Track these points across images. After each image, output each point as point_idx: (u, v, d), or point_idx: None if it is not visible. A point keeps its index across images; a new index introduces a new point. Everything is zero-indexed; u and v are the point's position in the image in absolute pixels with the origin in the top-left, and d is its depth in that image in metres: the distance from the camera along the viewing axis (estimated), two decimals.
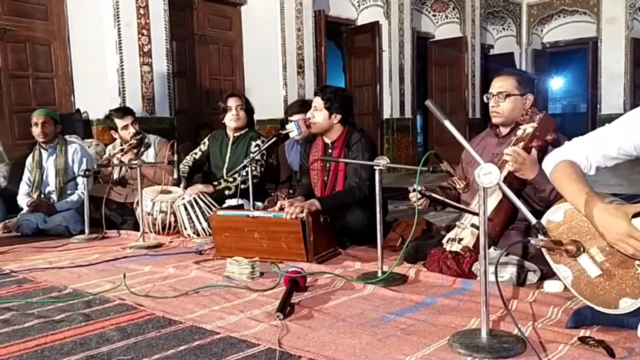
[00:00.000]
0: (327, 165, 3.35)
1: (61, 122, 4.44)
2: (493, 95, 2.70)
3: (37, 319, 2.11)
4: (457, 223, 2.63)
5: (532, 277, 2.34)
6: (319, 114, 3.30)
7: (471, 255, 2.45)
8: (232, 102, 4.04)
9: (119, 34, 5.60)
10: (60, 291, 2.52)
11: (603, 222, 1.62)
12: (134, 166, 3.76)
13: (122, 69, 5.64)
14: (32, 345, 1.84)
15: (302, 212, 2.83)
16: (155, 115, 5.90)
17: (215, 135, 4.20)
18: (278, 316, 1.99)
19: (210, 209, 3.59)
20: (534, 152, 2.39)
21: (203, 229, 3.62)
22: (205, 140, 4.26)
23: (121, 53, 5.62)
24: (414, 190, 2.59)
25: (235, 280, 2.57)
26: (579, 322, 1.80)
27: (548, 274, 2.29)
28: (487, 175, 1.60)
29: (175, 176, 3.64)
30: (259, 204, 3.77)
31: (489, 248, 1.94)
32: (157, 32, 5.89)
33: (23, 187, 4.33)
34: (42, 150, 4.31)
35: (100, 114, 5.34)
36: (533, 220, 1.72)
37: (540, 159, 2.48)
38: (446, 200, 2.62)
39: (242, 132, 4.08)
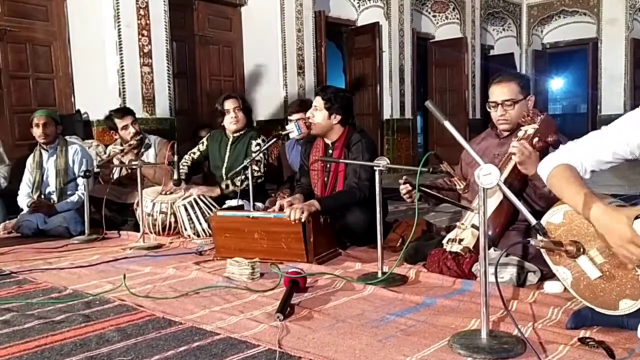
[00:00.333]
0: (327, 165, 3.35)
1: (61, 122, 4.44)
2: (498, 104, 2.65)
3: (37, 319, 2.11)
4: (458, 224, 2.63)
5: (532, 278, 2.35)
6: (318, 114, 3.30)
7: (471, 256, 2.45)
8: (230, 105, 4.02)
9: (119, 35, 5.60)
10: (61, 292, 2.52)
11: (604, 226, 1.59)
12: (134, 167, 3.76)
13: (122, 69, 5.64)
14: (32, 346, 1.84)
15: (302, 213, 2.83)
16: (155, 116, 5.90)
17: (214, 136, 4.19)
18: (278, 317, 1.99)
19: (211, 210, 3.59)
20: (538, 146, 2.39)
21: (203, 229, 3.62)
22: (204, 140, 4.25)
23: (121, 54, 5.62)
24: (405, 182, 2.60)
25: (235, 281, 2.57)
26: (579, 323, 1.80)
27: (548, 274, 2.29)
28: (487, 176, 1.60)
29: (176, 177, 3.64)
30: (259, 204, 3.76)
31: (489, 249, 1.94)
32: (157, 32, 5.89)
33: (23, 188, 4.33)
34: (43, 151, 4.31)
35: (101, 115, 5.34)
36: (533, 221, 1.72)
37: (540, 160, 2.49)
38: (438, 195, 2.62)
39: (242, 132, 4.08)
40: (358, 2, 8.97)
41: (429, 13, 10.50)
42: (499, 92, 2.65)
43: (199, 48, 7.03)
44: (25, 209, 4.20)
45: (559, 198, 1.83)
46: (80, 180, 4.07)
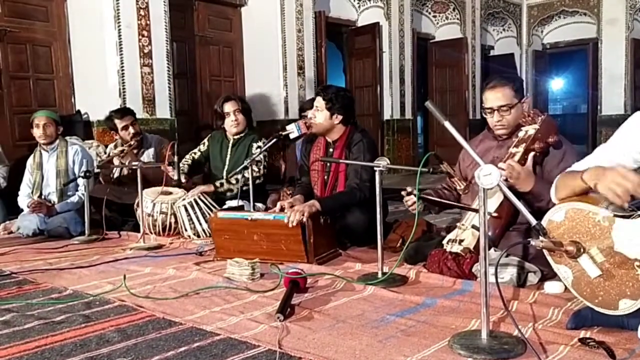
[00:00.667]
0: (328, 165, 3.35)
1: (61, 123, 4.44)
2: (494, 110, 2.62)
3: (37, 320, 2.11)
4: (458, 224, 2.63)
5: (533, 278, 2.34)
6: (320, 114, 3.30)
7: (471, 257, 2.45)
8: (229, 107, 4.01)
9: (120, 35, 5.60)
10: (61, 292, 2.52)
11: (598, 174, 1.67)
12: (134, 167, 3.76)
13: (122, 70, 5.64)
14: (32, 347, 1.84)
15: (303, 216, 2.82)
16: (155, 117, 5.90)
17: (215, 136, 4.19)
18: (278, 317, 1.99)
19: (211, 210, 3.59)
20: (529, 163, 2.38)
21: (203, 230, 3.62)
22: (205, 140, 4.25)
23: (122, 54, 5.62)
24: (408, 193, 2.59)
25: (235, 282, 2.57)
26: (579, 323, 1.80)
27: (548, 275, 2.29)
28: (487, 176, 1.60)
29: (176, 177, 3.63)
30: (260, 205, 3.76)
31: (489, 249, 1.94)
32: (157, 33, 5.89)
33: (23, 189, 4.33)
34: (43, 152, 4.31)
35: (101, 115, 5.34)
36: (533, 221, 1.72)
37: (541, 162, 2.48)
38: (441, 200, 2.61)
39: (242, 134, 4.07)
40: (358, 3, 8.97)
41: (429, 13, 10.50)
42: (494, 97, 2.62)
43: (199, 48, 7.03)
44: (26, 210, 4.20)
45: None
46: (80, 181, 4.07)
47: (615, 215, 1.68)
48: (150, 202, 3.74)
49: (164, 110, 5.99)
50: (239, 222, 3.02)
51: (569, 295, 2.04)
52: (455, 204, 2.64)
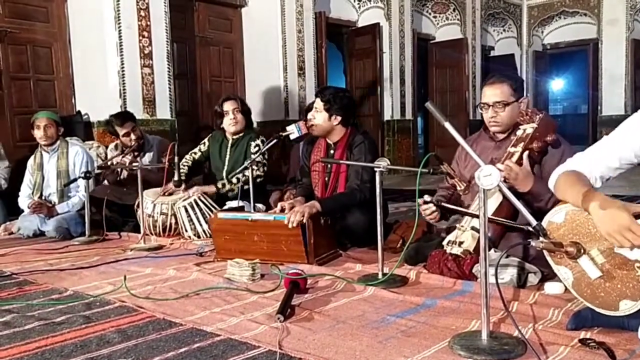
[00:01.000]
0: (328, 166, 3.35)
1: (62, 124, 4.45)
2: (489, 106, 2.63)
3: (37, 321, 2.11)
4: (457, 225, 2.62)
5: (533, 279, 2.34)
6: (319, 116, 3.30)
7: (472, 257, 2.45)
8: (229, 106, 4.02)
9: (120, 36, 5.61)
10: (61, 293, 2.53)
11: (603, 212, 1.62)
12: (134, 168, 3.76)
13: (122, 70, 5.65)
14: (32, 348, 1.84)
15: (303, 216, 2.82)
16: (155, 117, 5.90)
17: (215, 136, 4.20)
18: (278, 318, 1.99)
19: (211, 211, 3.59)
20: (526, 162, 2.37)
21: (204, 230, 3.62)
22: (205, 140, 4.26)
23: (122, 55, 5.63)
24: (425, 202, 2.57)
25: (235, 282, 2.57)
26: (579, 324, 1.80)
27: (549, 275, 2.29)
28: (488, 177, 1.60)
29: (176, 178, 3.63)
30: (260, 205, 3.76)
31: (489, 250, 1.94)
32: (157, 34, 5.89)
33: (24, 189, 4.33)
34: (44, 153, 4.31)
35: (101, 116, 5.35)
36: (533, 222, 1.72)
37: (539, 161, 2.48)
38: (458, 209, 2.59)
39: (241, 134, 4.08)
40: (358, 3, 8.98)
41: (430, 14, 10.50)
42: (491, 93, 2.64)
43: (199, 49, 7.03)
44: (26, 210, 4.21)
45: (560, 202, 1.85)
46: (80, 182, 4.08)
47: None
48: (150, 203, 3.75)
49: (164, 111, 5.99)
50: (239, 223, 3.02)
51: (569, 296, 2.03)
52: (464, 210, 2.61)
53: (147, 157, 4.40)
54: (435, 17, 10.58)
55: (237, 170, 3.57)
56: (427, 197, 2.59)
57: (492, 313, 1.88)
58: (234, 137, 4.07)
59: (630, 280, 1.67)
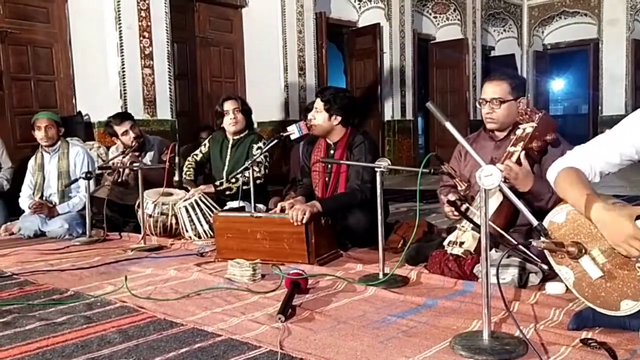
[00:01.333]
0: (329, 166, 3.35)
1: (63, 124, 4.45)
2: (487, 102, 2.65)
3: (38, 321, 2.11)
4: (458, 225, 2.62)
5: (534, 279, 2.34)
6: (319, 116, 3.30)
7: (472, 257, 2.45)
8: (229, 106, 4.02)
9: (120, 37, 5.61)
10: (62, 293, 2.53)
11: (606, 223, 1.62)
12: (135, 168, 3.76)
13: (123, 71, 5.65)
14: (33, 348, 1.84)
15: (304, 214, 2.82)
16: (156, 118, 5.91)
17: (216, 137, 4.20)
18: (279, 318, 1.99)
19: (212, 211, 3.59)
20: (525, 162, 2.37)
21: (204, 231, 3.62)
22: (206, 142, 4.26)
23: (122, 55, 5.63)
24: (450, 202, 2.54)
25: (236, 283, 2.57)
26: (580, 324, 1.80)
27: (550, 275, 2.29)
28: (489, 177, 1.60)
29: (177, 178, 3.63)
30: (261, 206, 3.76)
31: (490, 250, 1.94)
32: (158, 34, 5.90)
33: (25, 190, 4.34)
34: (44, 153, 4.32)
35: (102, 117, 5.34)
36: (534, 222, 1.72)
37: (539, 160, 2.48)
38: (466, 215, 2.57)
39: (242, 134, 4.08)
40: (359, 3, 8.98)
41: (430, 14, 10.50)
42: (490, 89, 2.67)
43: (200, 50, 7.04)
44: (27, 211, 4.21)
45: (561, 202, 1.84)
46: (81, 182, 4.08)
47: None
48: (151, 203, 3.74)
49: (164, 112, 5.99)
50: (242, 221, 3.03)
51: (570, 296, 2.03)
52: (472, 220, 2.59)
53: (148, 157, 4.40)
54: (435, 17, 10.58)
55: (238, 171, 3.57)
56: (451, 197, 2.58)
57: (493, 313, 1.88)
58: (235, 137, 4.07)
59: (631, 280, 1.67)
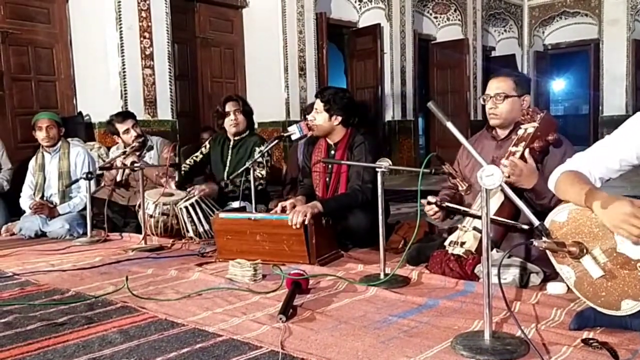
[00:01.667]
0: (329, 166, 3.35)
1: (63, 125, 4.45)
2: (490, 97, 2.67)
3: (39, 321, 2.11)
4: (459, 226, 2.62)
5: (535, 279, 2.34)
6: (319, 117, 3.29)
7: (474, 257, 2.44)
8: (230, 107, 4.01)
9: (121, 37, 5.62)
10: (63, 294, 2.52)
11: (606, 207, 1.63)
12: (136, 168, 3.76)
13: (124, 71, 5.66)
14: (34, 348, 1.84)
15: (305, 216, 2.82)
16: (157, 118, 5.91)
17: (217, 138, 4.19)
18: (281, 318, 1.99)
19: (213, 212, 3.58)
20: (530, 160, 2.37)
21: (205, 231, 3.62)
22: (207, 143, 4.26)
23: (123, 56, 5.64)
24: (429, 202, 2.57)
25: (237, 283, 2.57)
26: (582, 324, 1.80)
27: (551, 276, 2.29)
28: (490, 177, 1.60)
29: (178, 178, 3.63)
30: (262, 206, 3.76)
31: (491, 250, 1.94)
32: (158, 35, 5.90)
33: (26, 190, 4.34)
34: (45, 154, 4.32)
35: (102, 117, 5.35)
36: (536, 222, 1.72)
37: (541, 160, 2.48)
38: (461, 208, 2.58)
39: (244, 135, 4.07)
40: (359, 4, 8.98)
41: (430, 14, 10.51)
42: (494, 85, 2.69)
43: (200, 50, 7.04)
44: (28, 211, 4.21)
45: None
46: (82, 183, 4.08)
47: None
48: (151, 204, 3.74)
49: (165, 112, 6.00)
50: (241, 223, 3.02)
51: (571, 296, 2.03)
52: (470, 211, 2.60)
53: (148, 158, 4.40)
54: (436, 17, 10.58)
55: (239, 171, 3.57)
56: (430, 198, 2.59)
57: (495, 313, 1.87)
58: (236, 138, 4.07)
59: (632, 280, 1.67)
